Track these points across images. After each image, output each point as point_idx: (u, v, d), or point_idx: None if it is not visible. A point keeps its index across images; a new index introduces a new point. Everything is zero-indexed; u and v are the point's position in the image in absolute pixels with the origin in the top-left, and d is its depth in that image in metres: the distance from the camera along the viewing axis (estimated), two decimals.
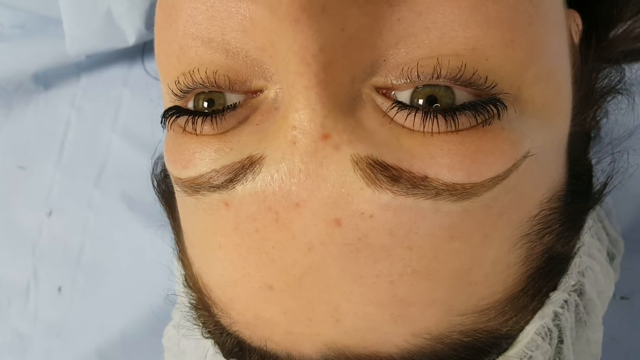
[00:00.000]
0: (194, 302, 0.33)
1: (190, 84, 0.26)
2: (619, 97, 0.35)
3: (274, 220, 0.25)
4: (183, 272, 0.34)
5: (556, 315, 0.30)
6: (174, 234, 0.34)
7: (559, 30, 0.27)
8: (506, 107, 0.24)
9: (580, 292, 0.32)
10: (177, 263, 0.37)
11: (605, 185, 0.31)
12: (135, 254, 0.56)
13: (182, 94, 0.27)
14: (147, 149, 0.57)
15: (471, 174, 0.23)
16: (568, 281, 0.30)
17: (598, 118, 0.34)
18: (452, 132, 0.23)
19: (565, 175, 0.30)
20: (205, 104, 0.27)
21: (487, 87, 0.24)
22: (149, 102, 0.57)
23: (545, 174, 0.27)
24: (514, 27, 0.24)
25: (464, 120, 0.23)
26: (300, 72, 0.23)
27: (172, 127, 0.27)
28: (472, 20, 0.23)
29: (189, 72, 0.26)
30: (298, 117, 0.24)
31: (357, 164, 0.23)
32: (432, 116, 0.23)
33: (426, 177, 0.23)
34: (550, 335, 0.31)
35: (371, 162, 0.23)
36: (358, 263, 0.24)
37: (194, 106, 0.27)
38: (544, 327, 0.30)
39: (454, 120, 0.23)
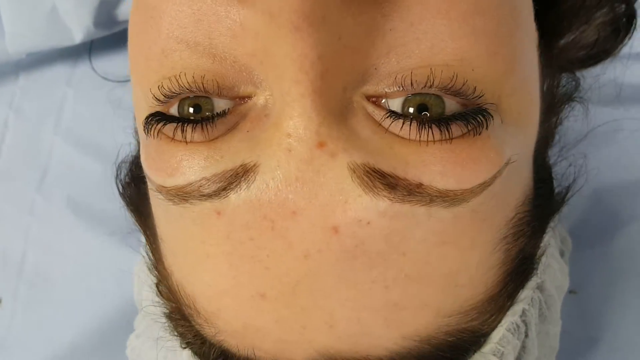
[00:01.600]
0: (169, 312, 0.32)
1: (175, 88, 0.25)
2: (572, 104, 0.37)
3: (269, 228, 0.24)
4: (155, 282, 0.33)
5: (523, 312, 0.32)
6: (147, 242, 0.33)
7: (532, 42, 0.29)
8: (492, 116, 0.25)
9: (542, 289, 0.34)
10: (148, 272, 0.36)
11: (568, 188, 0.33)
12: (83, 262, 0.53)
13: (165, 99, 0.26)
14: (93, 152, 0.55)
15: (461, 180, 0.24)
16: (535, 280, 0.32)
17: (556, 125, 0.36)
18: (445, 140, 0.24)
19: (532, 179, 0.31)
20: (191, 110, 0.26)
21: (475, 97, 0.25)
22: (95, 103, 0.55)
23: (520, 179, 0.29)
24: (497, 39, 0.25)
25: (455, 129, 0.24)
26: (298, 79, 0.23)
27: (158, 135, 0.26)
28: (460, 32, 0.24)
29: (175, 77, 0.25)
30: (293, 125, 0.24)
31: (354, 171, 0.24)
32: (427, 126, 0.24)
33: (421, 184, 0.24)
34: (518, 330, 0.32)
35: (368, 169, 0.24)
36: (354, 269, 0.24)
37: (178, 112, 0.26)
38: (513, 323, 0.31)
39: (447, 130, 0.24)
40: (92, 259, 0.53)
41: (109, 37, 0.52)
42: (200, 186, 0.25)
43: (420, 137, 0.24)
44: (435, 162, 0.24)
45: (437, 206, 0.24)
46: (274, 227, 0.24)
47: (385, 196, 0.24)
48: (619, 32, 0.44)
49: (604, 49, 0.44)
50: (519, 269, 0.30)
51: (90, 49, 0.53)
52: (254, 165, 0.24)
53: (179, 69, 0.25)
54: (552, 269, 0.36)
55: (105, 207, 0.53)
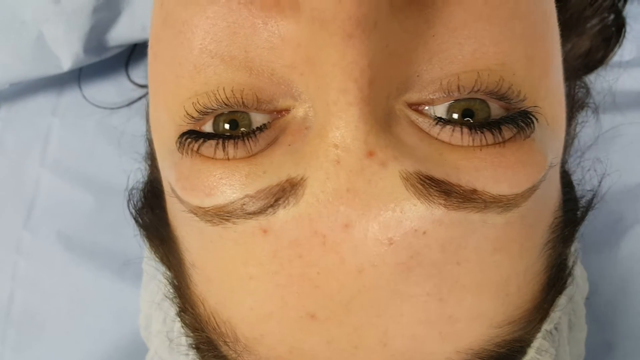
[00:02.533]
0: (196, 342, 0.30)
1: (213, 104, 0.24)
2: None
3: (320, 244, 0.23)
4: (177, 312, 0.31)
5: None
6: (169, 270, 0.31)
7: (559, 47, 0.29)
8: (537, 120, 0.25)
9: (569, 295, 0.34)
10: (162, 303, 0.34)
11: (594, 194, 0.33)
12: (77, 300, 0.50)
13: (200, 115, 0.25)
14: (83, 183, 0.52)
15: (513, 185, 0.24)
16: (571, 287, 0.31)
17: (574, 130, 0.37)
18: (498, 144, 0.23)
19: (560, 185, 0.31)
20: (227, 126, 0.25)
21: (519, 101, 0.25)
22: (83, 132, 0.53)
23: (555, 183, 0.29)
24: (533, 43, 0.25)
25: (506, 133, 0.24)
26: (346, 88, 0.22)
27: (193, 153, 0.25)
28: (501, 37, 0.24)
29: (212, 92, 0.24)
30: (340, 135, 0.23)
31: (407, 180, 0.23)
32: (478, 131, 0.23)
33: (475, 190, 0.23)
34: (552, 338, 0.32)
35: (421, 177, 0.23)
36: (409, 282, 0.24)
37: (214, 129, 0.25)
38: (548, 331, 0.31)
39: (500, 133, 0.23)
40: (87, 296, 0.50)
41: (97, 64, 0.51)
42: (244, 204, 0.24)
43: (473, 142, 0.23)
44: (486, 167, 0.23)
45: (491, 212, 0.24)
46: (325, 242, 0.23)
47: (441, 204, 0.23)
48: (609, 41, 0.45)
49: (597, 57, 0.45)
50: (557, 275, 0.29)
51: (79, 76, 0.51)
52: (302, 179, 0.23)
53: (213, 85, 0.25)
54: (575, 276, 0.36)
55: (99, 240, 0.51)
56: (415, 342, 0.25)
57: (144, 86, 0.51)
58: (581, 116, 0.37)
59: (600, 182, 0.33)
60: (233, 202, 0.24)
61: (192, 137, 0.25)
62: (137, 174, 0.36)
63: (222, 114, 0.25)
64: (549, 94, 0.27)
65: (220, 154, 0.24)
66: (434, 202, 0.23)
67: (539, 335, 0.30)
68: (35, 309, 0.50)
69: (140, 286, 0.42)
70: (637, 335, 0.45)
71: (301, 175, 0.23)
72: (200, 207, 0.25)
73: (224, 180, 0.24)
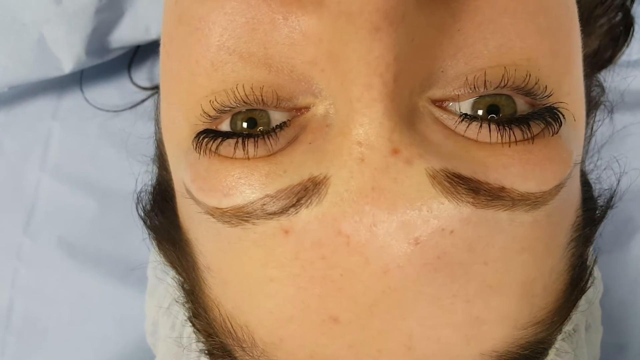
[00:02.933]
0: (209, 348, 0.29)
1: (231, 102, 0.24)
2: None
3: (344, 244, 0.23)
4: (188, 316, 0.31)
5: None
6: (180, 274, 0.30)
7: (580, 42, 0.28)
8: (564, 116, 0.24)
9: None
10: (170, 308, 0.33)
11: (613, 192, 0.32)
12: (79, 307, 0.49)
13: (217, 114, 0.24)
14: (85, 188, 0.51)
15: (541, 182, 0.23)
16: (593, 288, 0.31)
17: (592, 128, 0.36)
18: (527, 140, 0.23)
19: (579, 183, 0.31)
20: (245, 125, 0.24)
21: (545, 97, 0.24)
22: (85, 136, 0.52)
23: (577, 181, 0.28)
24: (558, 38, 0.25)
25: (535, 129, 0.23)
26: (370, 83, 0.22)
27: (210, 153, 0.24)
28: (527, 31, 0.24)
29: (231, 90, 0.24)
30: (363, 132, 0.22)
31: (434, 177, 0.22)
32: (506, 127, 0.23)
33: (503, 187, 0.23)
34: (571, 339, 0.31)
35: (448, 175, 0.22)
36: (435, 284, 0.23)
37: (231, 128, 0.25)
38: (566, 332, 0.30)
39: (529, 130, 0.23)
40: (89, 303, 0.49)
41: (99, 66, 0.50)
42: (264, 204, 0.23)
43: (502, 139, 0.23)
44: (514, 164, 0.23)
45: (519, 210, 0.23)
46: (349, 243, 0.23)
47: (469, 202, 0.22)
48: (617, 40, 0.45)
49: (605, 57, 0.45)
50: (579, 275, 0.29)
51: (81, 79, 0.50)
52: (324, 177, 0.23)
53: (231, 82, 0.24)
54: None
55: (101, 246, 0.50)
56: (440, 345, 0.24)
57: (147, 88, 0.50)
58: (597, 115, 0.37)
59: (619, 181, 0.33)
60: (253, 202, 0.23)
61: (210, 136, 0.24)
62: (144, 177, 0.35)
63: (239, 112, 0.24)
64: (571, 90, 0.26)
65: (240, 153, 0.23)
66: (462, 200, 0.22)
67: (559, 336, 0.30)
68: (36, 316, 0.49)
69: (145, 292, 0.41)
70: None
71: (324, 173, 0.23)
72: (217, 208, 0.24)
73: (243, 180, 0.23)
